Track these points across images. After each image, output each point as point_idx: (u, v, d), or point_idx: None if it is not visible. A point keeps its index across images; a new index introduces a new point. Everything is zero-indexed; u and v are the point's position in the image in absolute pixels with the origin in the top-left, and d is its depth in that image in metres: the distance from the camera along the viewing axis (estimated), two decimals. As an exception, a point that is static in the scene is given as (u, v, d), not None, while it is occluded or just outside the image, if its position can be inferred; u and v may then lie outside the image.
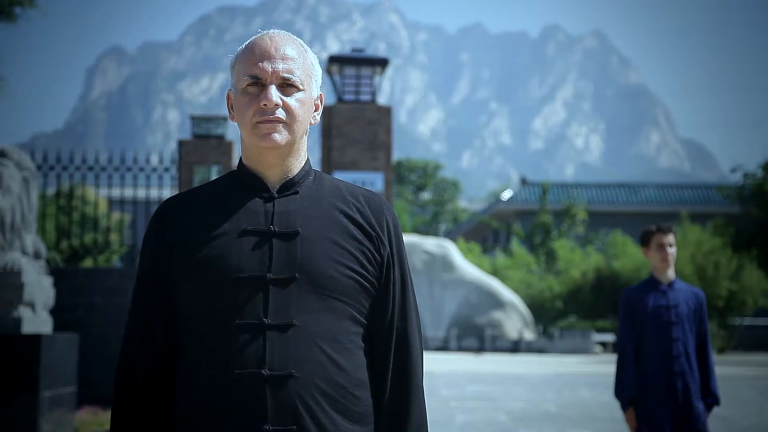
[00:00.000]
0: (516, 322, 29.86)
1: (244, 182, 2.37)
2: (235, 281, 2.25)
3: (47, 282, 9.83)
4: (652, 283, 6.07)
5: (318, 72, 2.42)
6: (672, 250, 6.05)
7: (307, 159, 2.41)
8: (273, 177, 2.36)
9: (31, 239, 9.65)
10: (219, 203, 2.34)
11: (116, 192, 15.20)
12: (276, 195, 2.34)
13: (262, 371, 2.19)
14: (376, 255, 2.34)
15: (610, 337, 31.20)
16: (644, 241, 6.12)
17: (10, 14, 17.44)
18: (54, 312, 10.19)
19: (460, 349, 28.60)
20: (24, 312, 9.14)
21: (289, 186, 2.36)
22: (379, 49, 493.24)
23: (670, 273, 6.07)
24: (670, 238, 6.07)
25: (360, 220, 2.35)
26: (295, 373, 2.20)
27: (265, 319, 2.22)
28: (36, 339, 8.93)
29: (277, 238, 2.28)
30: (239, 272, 2.25)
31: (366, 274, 2.31)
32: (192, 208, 2.36)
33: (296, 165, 2.38)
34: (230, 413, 2.20)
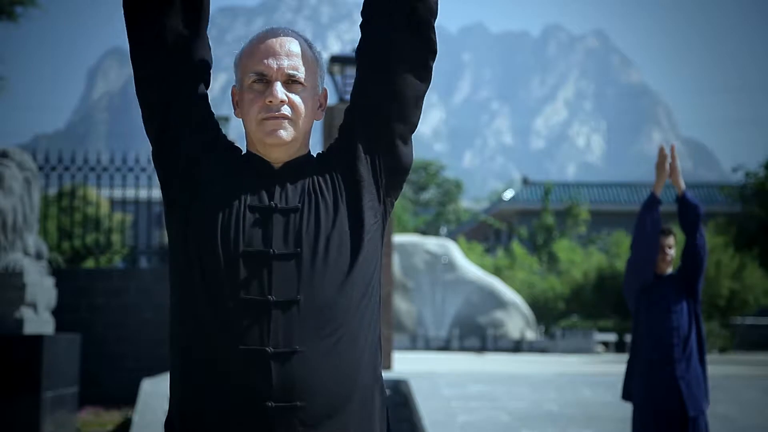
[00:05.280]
0: (518, 321, 29.84)
1: (250, 161, 2.37)
2: (238, 256, 2.24)
3: (49, 282, 9.84)
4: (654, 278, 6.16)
5: (322, 68, 2.44)
6: (672, 252, 6.12)
7: (308, 152, 2.43)
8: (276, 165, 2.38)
9: (33, 240, 9.65)
10: (229, 178, 2.34)
11: (118, 192, 15.21)
12: (277, 172, 2.35)
13: (267, 348, 2.18)
14: (373, 166, 2.38)
15: (612, 337, 31.19)
16: (646, 242, 6.16)
17: (11, 14, 17.44)
18: (56, 312, 10.19)
19: (462, 348, 28.56)
20: (26, 312, 9.15)
21: (291, 164, 2.37)
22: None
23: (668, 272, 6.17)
24: (671, 240, 6.16)
25: (342, 162, 2.37)
26: (299, 350, 2.19)
27: (269, 296, 2.21)
28: (38, 339, 8.94)
29: (278, 213, 2.29)
30: (243, 247, 2.24)
31: (370, 214, 2.34)
32: (224, 165, 2.38)
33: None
34: (233, 390, 2.19)
